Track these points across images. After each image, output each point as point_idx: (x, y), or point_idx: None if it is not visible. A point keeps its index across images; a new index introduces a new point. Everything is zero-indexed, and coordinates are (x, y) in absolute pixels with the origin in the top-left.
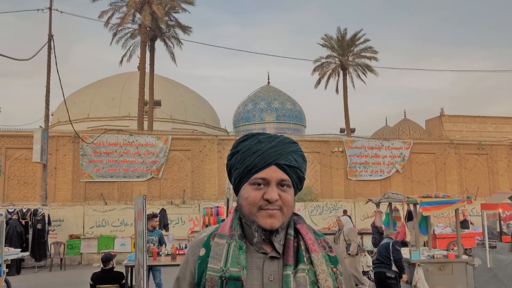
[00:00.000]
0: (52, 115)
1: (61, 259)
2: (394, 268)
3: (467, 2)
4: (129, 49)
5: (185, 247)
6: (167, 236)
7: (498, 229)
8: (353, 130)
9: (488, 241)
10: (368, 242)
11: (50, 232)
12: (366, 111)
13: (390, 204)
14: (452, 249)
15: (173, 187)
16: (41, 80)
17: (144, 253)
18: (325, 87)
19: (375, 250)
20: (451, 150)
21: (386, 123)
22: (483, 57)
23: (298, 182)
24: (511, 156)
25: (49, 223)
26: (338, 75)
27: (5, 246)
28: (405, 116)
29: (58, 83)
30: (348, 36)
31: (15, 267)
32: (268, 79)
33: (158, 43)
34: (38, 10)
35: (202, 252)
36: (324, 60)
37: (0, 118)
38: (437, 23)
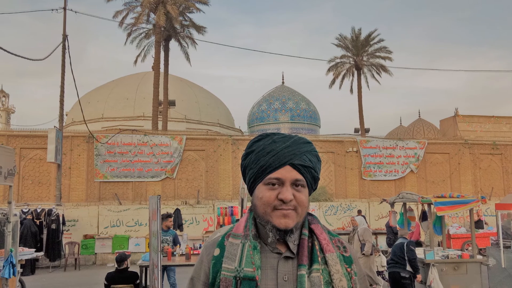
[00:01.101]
0: (66, 115)
1: (76, 259)
2: (408, 268)
3: (482, 2)
4: (143, 49)
5: (200, 247)
6: (182, 236)
7: None
8: (367, 130)
9: (503, 241)
10: (382, 242)
11: (64, 232)
12: (381, 111)
13: (404, 204)
14: (466, 249)
15: (188, 187)
16: (56, 80)
17: (159, 253)
18: (340, 87)
19: (390, 250)
20: (465, 150)
21: (401, 123)
22: (498, 57)
23: (312, 182)
24: None
25: (64, 223)
26: (353, 75)
27: (19, 246)
28: (419, 116)
29: (73, 83)
30: (363, 36)
31: (30, 267)
32: (283, 79)
33: (173, 43)
34: (52, 10)
35: (217, 252)
36: (338, 60)
37: (15, 118)
38: (452, 23)
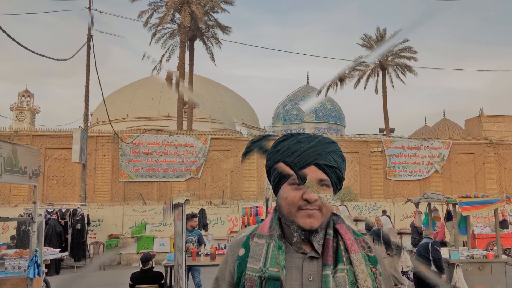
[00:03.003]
0: (91, 115)
1: None
2: (433, 268)
3: (504, 2)
4: (168, 49)
5: (224, 247)
6: (207, 236)
7: None
8: (392, 130)
9: None
10: (407, 242)
11: (89, 232)
12: (406, 111)
13: (429, 204)
14: (491, 249)
15: (212, 187)
16: (80, 79)
17: (183, 253)
18: (364, 87)
19: (415, 250)
20: (490, 150)
21: (425, 123)
22: None
23: (337, 182)
24: None
25: (88, 223)
26: (377, 75)
27: (44, 246)
28: (444, 116)
29: (97, 83)
30: (387, 36)
31: (55, 267)
32: (307, 79)
33: (197, 43)
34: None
35: (242, 252)
36: (363, 60)
37: (39, 118)
38: (477, 23)
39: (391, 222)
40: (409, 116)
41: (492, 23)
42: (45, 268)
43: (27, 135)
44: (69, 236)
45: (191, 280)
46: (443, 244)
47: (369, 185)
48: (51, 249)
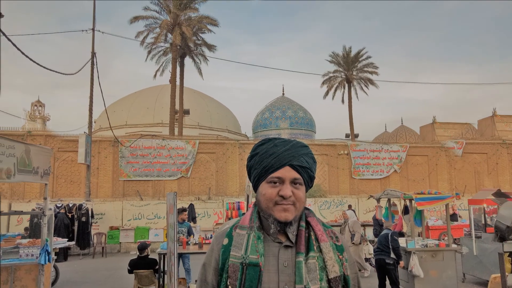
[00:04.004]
0: (94, 122)
1: (103, 248)
2: (392, 255)
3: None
4: (161, 64)
5: (211, 237)
6: (195, 228)
7: (483, 222)
8: (356, 135)
9: (474, 232)
10: (369, 232)
11: (93, 224)
12: (368, 118)
13: (389, 200)
14: (443, 239)
15: (200, 185)
16: (86, 91)
17: (175, 242)
18: (332, 98)
19: (376, 239)
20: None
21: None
22: (469, 71)
23: (309, 180)
24: None
25: (92, 216)
26: (344, 88)
27: (53, 236)
28: (402, 123)
29: (101, 93)
30: (353, 54)
31: (63, 254)
32: (283, 91)
33: (187, 60)
34: (82, 31)
35: (226, 241)
36: (331, 75)
37: (50, 125)
38: (428, 41)
39: (356, 215)
40: (372, 123)
41: (441, 41)
42: (55, 255)
43: (40, 135)
44: (75, 228)
45: (181, 265)
46: (401, 234)
47: (337, 183)
48: (59, 239)
